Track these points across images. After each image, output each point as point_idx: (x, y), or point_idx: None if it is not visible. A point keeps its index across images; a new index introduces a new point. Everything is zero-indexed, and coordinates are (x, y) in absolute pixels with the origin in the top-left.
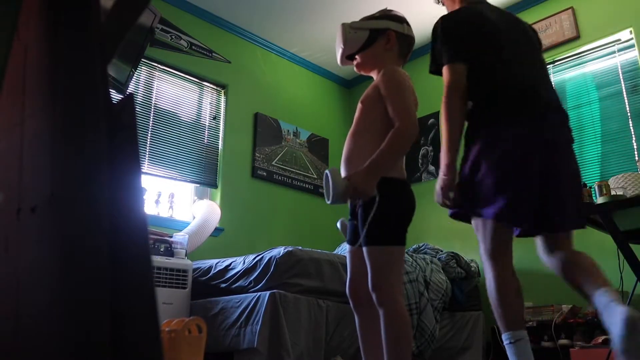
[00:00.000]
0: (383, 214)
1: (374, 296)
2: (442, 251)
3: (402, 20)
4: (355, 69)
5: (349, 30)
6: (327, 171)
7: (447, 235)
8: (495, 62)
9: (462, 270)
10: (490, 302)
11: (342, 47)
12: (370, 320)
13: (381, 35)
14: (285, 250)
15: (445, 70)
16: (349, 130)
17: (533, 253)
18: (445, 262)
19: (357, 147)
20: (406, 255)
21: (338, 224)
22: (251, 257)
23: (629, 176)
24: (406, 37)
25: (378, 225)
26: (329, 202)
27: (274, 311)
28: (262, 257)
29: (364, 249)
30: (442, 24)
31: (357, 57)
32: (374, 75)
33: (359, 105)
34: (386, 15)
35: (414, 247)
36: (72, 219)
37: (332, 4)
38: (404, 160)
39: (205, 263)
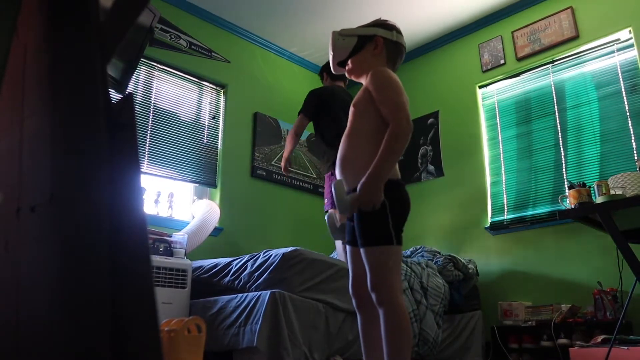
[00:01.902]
0: (377, 215)
1: (373, 296)
2: (439, 253)
3: (391, 28)
4: (347, 74)
5: (337, 37)
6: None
7: (446, 234)
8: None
9: (459, 273)
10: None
11: (333, 53)
12: (373, 320)
13: (369, 42)
14: (287, 250)
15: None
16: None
17: (532, 254)
18: (443, 266)
19: (352, 147)
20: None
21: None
22: (251, 256)
23: (628, 176)
24: (395, 44)
25: (374, 226)
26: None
27: (274, 311)
28: (263, 256)
29: (361, 250)
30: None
31: (348, 63)
32: (363, 80)
33: (352, 109)
34: (376, 23)
35: (410, 249)
36: (71, 218)
37: (331, 4)
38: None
39: (205, 262)
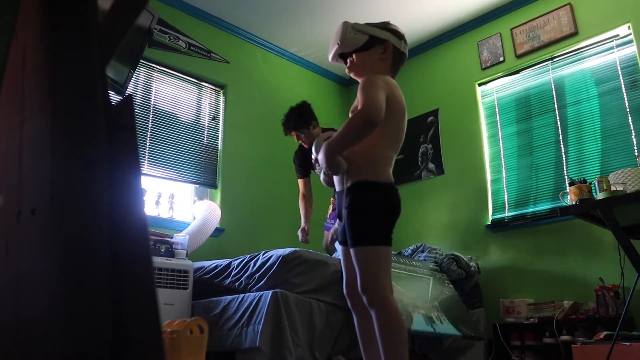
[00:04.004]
0: (366, 216)
1: (364, 298)
2: (440, 252)
3: (400, 37)
4: (346, 70)
5: (349, 29)
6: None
7: (447, 232)
8: None
9: (462, 271)
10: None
11: (339, 44)
12: (369, 319)
13: (379, 44)
14: (290, 250)
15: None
16: None
17: (534, 251)
18: (447, 266)
19: None
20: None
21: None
22: (251, 257)
23: (629, 171)
24: (401, 54)
25: (362, 227)
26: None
27: (276, 311)
28: (262, 258)
29: (351, 250)
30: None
31: (353, 58)
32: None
33: (350, 115)
34: (387, 27)
35: (412, 247)
36: (72, 220)
37: (330, 4)
38: (393, 163)
39: (206, 264)
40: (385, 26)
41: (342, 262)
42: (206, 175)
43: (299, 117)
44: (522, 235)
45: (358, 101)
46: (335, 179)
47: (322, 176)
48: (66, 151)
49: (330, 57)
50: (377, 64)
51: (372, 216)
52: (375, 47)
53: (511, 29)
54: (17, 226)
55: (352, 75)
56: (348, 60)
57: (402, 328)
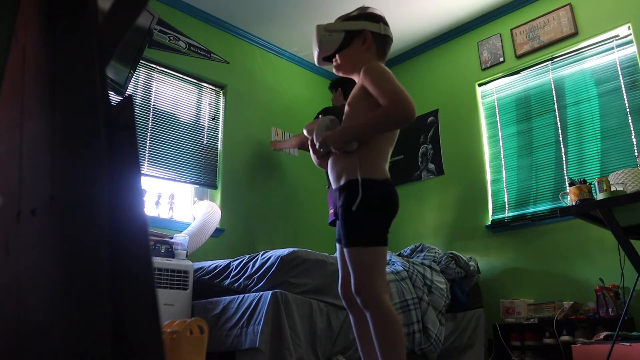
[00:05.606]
0: (363, 215)
1: (358, 299)
2: (439, 252)
3: (378, 20)
4: (334, 70)
5: (323, 32)
6: (320, 118)
7: (447, 233)
8: None
9: (461, 270)
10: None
11: (318, 49)
12: (366, 319)
13: (357, 37)
14: (288, 251)
15: None
16: None
17: (534, 251)
18: (445, 264)
19: None
20: (400, 259)
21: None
22: (250, 258)
23: (629, 172)
24: (383, 37)
25: (358, 227)
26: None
27: (276, 311)
28: (261, 258)
29: (345, 250)
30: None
31: (336, 58)
32: (355, 77)
33: (346, 108)
34: (362, 15)
35: (411, 247)
36: (72, 221)
37: (330, 4)
38: (389, 160)
39: (206, 264)
40: (361, 13)
41: (338, 261)
42: (206, 175)
43: (334, 81)
44: (522, 236)
45: (375, 91)
46: (332, 177)
47: (313, 158)
48: (66, 152)
49: (316, 62)
50: (362, 55)
51: (366, 215)
52: (355, 41)
53: (511, 30)
54: (17, 226)
55: (341, 74)
56: (333, 61)
57: (398, 328)
